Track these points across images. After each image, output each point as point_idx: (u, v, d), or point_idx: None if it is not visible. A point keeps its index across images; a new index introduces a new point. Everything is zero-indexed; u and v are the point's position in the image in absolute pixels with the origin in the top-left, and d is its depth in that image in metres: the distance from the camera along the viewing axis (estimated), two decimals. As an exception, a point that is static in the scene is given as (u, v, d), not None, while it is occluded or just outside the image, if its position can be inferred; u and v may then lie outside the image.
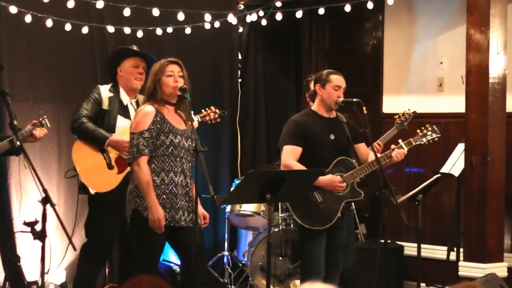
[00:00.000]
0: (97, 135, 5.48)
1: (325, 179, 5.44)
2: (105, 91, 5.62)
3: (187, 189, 4.89)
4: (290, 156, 5.49)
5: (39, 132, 5.07)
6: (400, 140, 5.68)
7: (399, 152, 5.57)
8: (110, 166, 5.53)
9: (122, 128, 5.54)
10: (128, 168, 5.36)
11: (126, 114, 5.60)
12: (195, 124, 5.19)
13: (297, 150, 5.50)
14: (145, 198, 4.75)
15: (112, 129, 5.54)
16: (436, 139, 5.82)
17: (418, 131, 5.81)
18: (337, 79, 5.55)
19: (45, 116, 5.26)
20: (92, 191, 5.56)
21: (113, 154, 5.53)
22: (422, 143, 5.79)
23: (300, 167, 5.43)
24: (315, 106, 5.64)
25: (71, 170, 5.69)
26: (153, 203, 4.72)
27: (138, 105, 5.59)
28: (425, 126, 5.83)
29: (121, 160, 5.48)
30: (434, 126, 5.82)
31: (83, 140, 5.56)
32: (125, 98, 5.65)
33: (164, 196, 4.80)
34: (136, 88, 5.65)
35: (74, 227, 5.97)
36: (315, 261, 5.49)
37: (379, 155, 5.55)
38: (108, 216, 5.50)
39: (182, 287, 5.04)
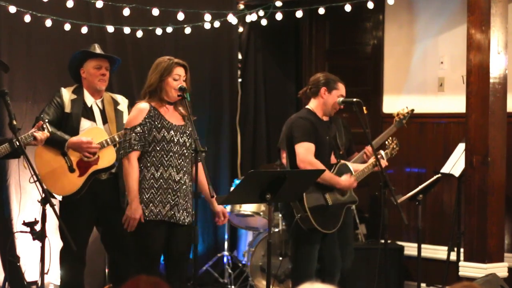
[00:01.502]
0: (56, 138, 5.35)
1: (343, 180, 5.51)
2: (67, 94, 5.53)
3: (182, 185, 4.86)
4: (310, 154, 5.42)
5: (41, 135, 5.05)
6: (381, 151, 5.88)
7: (383, 161, 5.70)
8: (71, 169, 5.42)
9: (86, 130, 5.46)
10: (89, 171, 5.39)
11: (91, 116, 5.50)
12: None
13: (312, 148, 5.46)
14: (128, 193, 4.81)
15: (76, 132, 5.45)
16: (394, 153, 6.08)
17: (386, 142, 6.06)
18: (343, 89, 5.59)
19: (46, 120, 5.24)
20: (57, 196, 5.49)
21: (74, 157, 5.43)
22: (391, 156, 6.05)
23: (323, 167, 5.39)
24: (313, 107, 5.61)
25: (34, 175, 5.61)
26: (133, 199, 4.78)
27: (104, 104, 5.56)
28: (391, 138, 6.08)
29: (82, 163, 5.41)
30: (395, 141, 6.06)
31: (45, 145, 5.40)
32: (89, 99, 5.55)
33: (153, 191, 4.81)
34: (100, 90, 5.56)
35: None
36: (309, 263, 5.49)
37: (370, 160, 5.72)
38: (78, 219, 5.41)
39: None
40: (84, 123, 5.49)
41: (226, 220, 5.11)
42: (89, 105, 5.54)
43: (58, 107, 5.49)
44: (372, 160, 5.67)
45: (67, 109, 5.49)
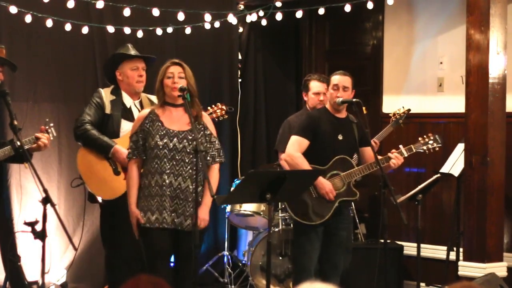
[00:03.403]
0: (101, 143, 5.33)
1: (323, 182, 5.45)
2: (106, 94, 5.47)
3: (182, 191, 4.84)
4: (296, 147, 5.52)
5: (45, 139, 5.02)
6: (400, 146, 5.64)
7: (398, 157, 5.54)
8: (116, 172, 5.41)
9: (127, 132, 5.41)
10: None
11: (130, 117, 5.44)
12: (207, 118, 5.12)
13: (304, 143, 5.52)
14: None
15: (116, 134, 5.42)
16: (437, 148, 5.76)
17: (420, 138, 5.75)
18: (333, 79, 5.60)
19: (51, 124, 5.22)
20: (100, 199, 5.46)
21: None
22: (422, 151, 5.73)
23: (303, 160, 5.45)
24: (328, 105, 5.70)
25: (76, 179, 5.54)
26: (130, 205, 4.89)
27: (142, 105, 5.52)
28: (427, 134, 5.77)
29: None
30: (436, 136, 5.75)
31: (88, 147, 5.43)
32: (127, 100, 5.51)
33: (150, 198, 4.83)
34: (139, 91, 5.52)
35: (82, 232, 6.01)
36: (306, 257, 5.51)
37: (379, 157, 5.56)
38: (122, 223, 5.35)
39: None
40: (124, 125, 5.44)
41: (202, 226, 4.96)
42: (128, 106, 5.50)
43: (99, 107, 5.43)
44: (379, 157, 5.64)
45: (107, 110, 5.43)
